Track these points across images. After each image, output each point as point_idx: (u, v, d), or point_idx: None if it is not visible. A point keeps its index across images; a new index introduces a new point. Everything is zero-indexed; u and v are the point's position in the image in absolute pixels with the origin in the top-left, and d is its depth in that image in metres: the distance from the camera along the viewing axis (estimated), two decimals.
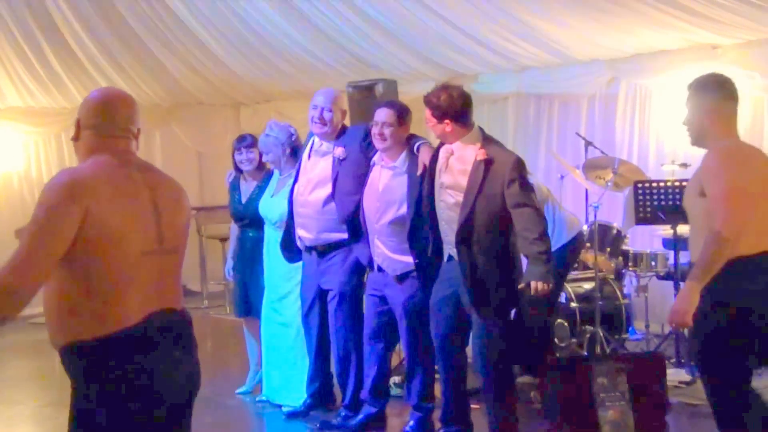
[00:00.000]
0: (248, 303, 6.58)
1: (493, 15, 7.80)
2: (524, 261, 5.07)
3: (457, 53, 8.97)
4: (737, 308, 3.76)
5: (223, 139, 11.24)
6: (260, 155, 6.49)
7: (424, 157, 5.22)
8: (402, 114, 5.34)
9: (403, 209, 5.28)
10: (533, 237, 4.81)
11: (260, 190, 6.39)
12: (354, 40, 9.10)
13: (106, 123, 2.98)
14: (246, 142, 6.55)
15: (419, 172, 5.23)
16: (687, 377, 6.44)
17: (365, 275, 5.84)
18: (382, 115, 5.31)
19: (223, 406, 6.59)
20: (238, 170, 6.63)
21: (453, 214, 4.94)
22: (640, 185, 6.92)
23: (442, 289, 5.12)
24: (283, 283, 6.18)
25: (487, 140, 5.04)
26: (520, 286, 4.90)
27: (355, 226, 5.58)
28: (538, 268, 4.83)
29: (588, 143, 7.91)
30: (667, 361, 6.20)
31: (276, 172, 6.30)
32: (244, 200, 6.53)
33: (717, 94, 4.01)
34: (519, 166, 4.93)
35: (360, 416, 5.71)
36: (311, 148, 5.85)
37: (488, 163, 4.87)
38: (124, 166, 2.95)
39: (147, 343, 2.89)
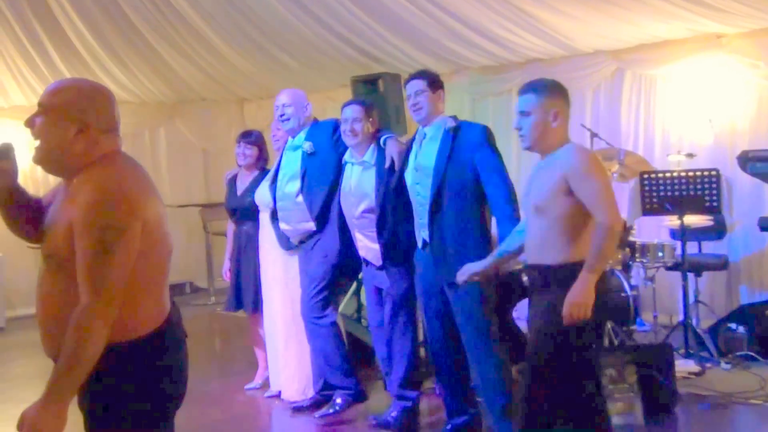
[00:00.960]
0: (239, 298, 6.63)
1: (497, 7, 7.78)
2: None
3: (462, 46, 8.95)
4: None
5: (227, 136, 11.24)
6: (258, 153, 6.58)
7: (391, 150, 5.38)
8: (369, 109, 5.54)
9: (372, 201, 5.41)
10: (504, 201, 4.86)
11: (256, 183, 6.43)
12: (358, 34, 9.09)
13: (114, 120, 2.83)
14: (249, 138, 6.62)
15: (387, 164, 5.37)
16: (696, 368, 6.43)
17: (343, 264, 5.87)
18: (351, 111, 5.49)
19: (232, 401, 6.60)
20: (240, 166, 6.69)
21: (427, 192, 5.00)
22: (646, 176, 6.90)
23: (422, 281, 5.19)
24: (281, 270, 6.20)
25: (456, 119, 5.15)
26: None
27: (325, 219, 5.76)
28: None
29: (593, 134, 7.89)
30: (675, 352, 6.20)
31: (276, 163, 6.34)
32: (239, 193, 6.57)
33: (563, 98, 4.03)
34: (488, 132, 5.00)
35: (394, 412, 5.65)
36: (285, 142, 6.10)
37: (456, 130, 4.96)
38: (137, 165, 2.85)
39: (179, 336, 2.89)
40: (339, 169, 5.71)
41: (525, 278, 5.30)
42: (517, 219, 4.74)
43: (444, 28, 8.49)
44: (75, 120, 2.70)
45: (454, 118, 5.13)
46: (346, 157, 5.64)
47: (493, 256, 4.49)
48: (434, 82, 5.15)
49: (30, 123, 2.78)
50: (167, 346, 2.80)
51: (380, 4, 8.23)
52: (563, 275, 3.85)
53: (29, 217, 2.91)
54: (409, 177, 5.15)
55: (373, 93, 7.93)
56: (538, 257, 3.95)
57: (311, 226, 5.80)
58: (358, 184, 5.51)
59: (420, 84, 5.13)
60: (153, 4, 9.07)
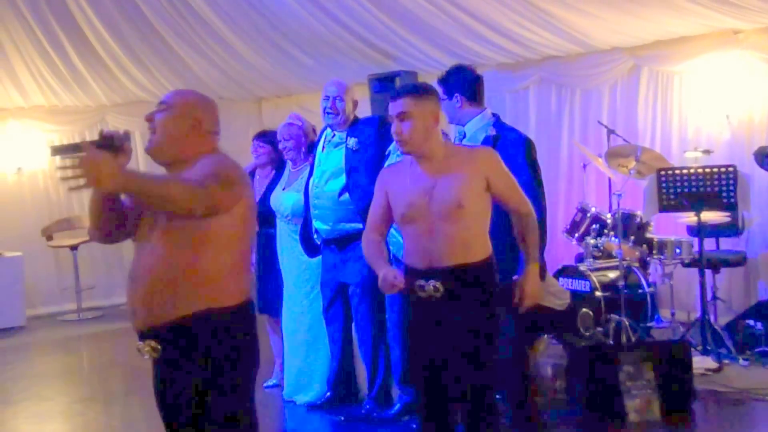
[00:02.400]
0: (265, 300, 6.58)
1: (513, 4, 7.79)
2: None
3: (478, 44, 8.95)
4: None
5: (244, 135, 11.21)
6: (270, 153, 6.55)
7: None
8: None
9: None
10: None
11: (271, 186, 6.42)
12: (375, 32, 9.11)
13: (218, 125, 3.34)
14: (263, 138, 6.64)
15: None
16: (714, 364, 6.42)
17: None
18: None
19: None
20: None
21: None
22: (663, 173, 6.88)
23: None
24: (299, 277, 6.21)
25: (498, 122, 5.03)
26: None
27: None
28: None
29: (610, 131, 7.89)
30: (693, 349, 6.20)
31: (289, 164, 6.32)
32: (257, 198, 6.55)
33: (438, 101, 4.07)
34: (528, 146, 4.91)
35: (396, 405, 5.75)
36: (325, 140, 5.90)
37: (496, 139, 4.83)
38: None
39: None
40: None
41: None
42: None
43: (460, 25, 8.50)
44: (191, 117, 3.21)
45: (497, 120, 4.96)
46: (391, 147, 5.48)
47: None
48: (445, 92, 4.96)
49: (150, 117, 3.24)
50: (254, 315, 3.29)
51: (396, 2, 8.25)
52: (487, 271, 3.90)
53: (114, 208, 3.23)
54: None
55: (390, 91, 7.95)
56: (461, 258, 3.84)
57: (352, 226, 5.63)
58: None
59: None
60: (171, 4, 9.12)
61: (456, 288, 3.83)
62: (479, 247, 3.87)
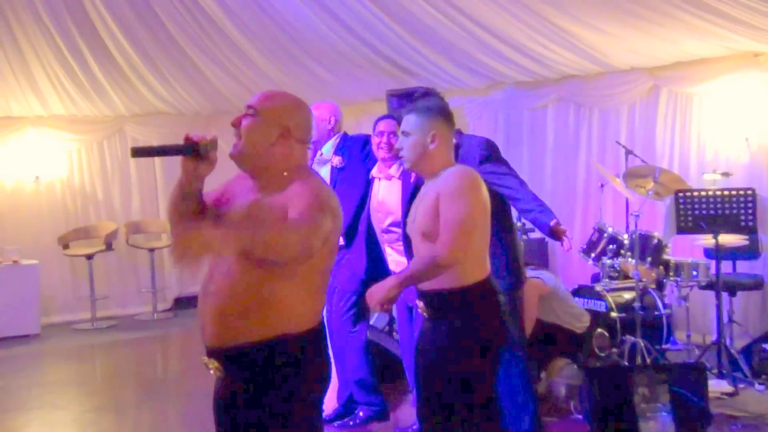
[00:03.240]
0: None
1: (533, 23, 7.79)
2: None
3: (497, 61, 8.97)
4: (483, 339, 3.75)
5: None
6: None
7: None
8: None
9: (398, 215, 5.38)
10: (528, 206, 4.99)
11: None
12: (393, 48, 9.13)
13: (309, 135, 3.17)
14: None
15: (412, 178, 5.32)
16: (729, 388, 6.38)
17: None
18: (385, 125, 5.49)
19: None
20: None
21: None
22: (681, 194, 6.86)
23: None
24: None
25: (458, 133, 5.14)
26: (553, 222, 4.88)
27: (353, 233, 5.75)
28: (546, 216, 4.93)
29: (628, 152, 7.88)
30: (708, 372, 6.15)
31: None
32: None
33: (444, 118, 3.92)
34: (488, 145, 5.08)
35: (415, 425, 5.73)
36: (319, 157, 6.02)
37: (457, 147, 4.93)
38: None
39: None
40: (368, 184, 5.71)
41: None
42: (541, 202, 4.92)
43: (479, 42, 8.51)
44: (279, 125, 3.02)
45: (458, 132, 5.06)
46: (374, 172, 5.63)
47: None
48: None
49: (236, 122, 3.07)
50: (325, 334, 3.11)
51: (415, 19, 8.27)
52: (461, 299, 3.73)
53: (197, 212, 3.11)
54: None
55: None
56: (433, 283, 3.75)
57: (339, 241, 5.76)
58: (384, 198, 5.52)
59: (393, 125, 5.31)
60: (191, 15, 9.16)
61: (433, 314, 3.81)
62: (454, 275, 3.69)
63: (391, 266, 5.58)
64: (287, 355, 2.89)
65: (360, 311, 5.85)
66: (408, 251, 5.29)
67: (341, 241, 5.76)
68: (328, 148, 5.92)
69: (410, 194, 5.30)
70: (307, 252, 2.78)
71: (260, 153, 3.01)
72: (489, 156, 5.04)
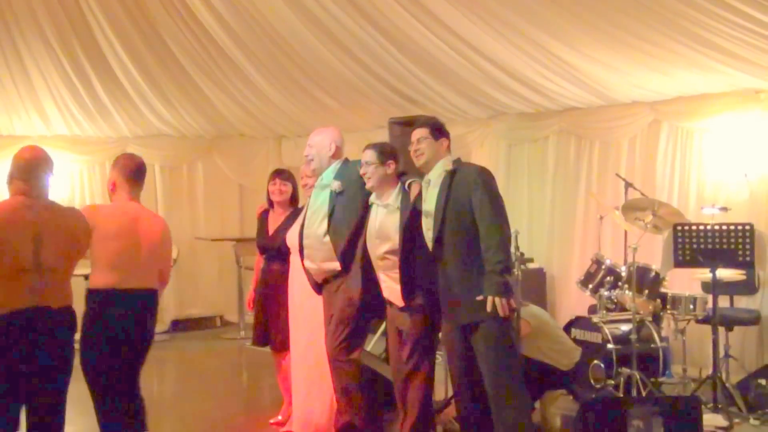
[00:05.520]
0: (267, 334, 6.67)
1: (535, 54, 7.84)
2: None
3: (499, 92, 9.01)
4: None
5: (264, 172, 11.23)
6: (293, 190, 6.67)
7: (414, 194, 5.44)
8: (385, 153, 5.53)
9: (395, 243, 5.38)
10: (487, 246, 4.94)
11: (288, 222, 6.48)
12: (397, 77, 9.18)
13: None
14: (284, 174, 6.73)
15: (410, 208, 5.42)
16: (724, 423, 6.37)
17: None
18: (365, 155, 5.57)
19: None
20: (270, 204, 6.75)
21: (432, 234, 5.17)
22: (679, 228, 6.88)
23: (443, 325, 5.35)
24: (308, 314, 6.21)
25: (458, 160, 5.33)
26: (479, 298, 4.90)
27: (349, 259, 5.75)
28: (493, 280, 4.88)
29: (628, 184, 7.90)
30: (704, 406, 6.15)
31: (309, 200, 6.36)
32: (271, 232, 6.63)
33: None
34: (483, 173, 5.12)
35: None
36: (320, 182, 6.05)
37: (453, 173, 5.12)
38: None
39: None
40: (365, 210, 5.71)
41: None
42: (504, 268, 4.89)
43: (482, 73, 8.56)
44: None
45: (456, 160, 5.26)
46: (372, 198, 5.64)
47: None
48: (437, 130, 5.32)
49: None
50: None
51: (420, 48, 8.32)
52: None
53: None
54: (423, 223, 5.26)
55: (409, 135, 7.99)
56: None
57: (336, 265, 5.76)
58: (382, 225, 5.51)
59: (422, 132, 5.33)
60: (197, 40, 9.23)
61: None
62: None
63: (385, 293, 5.57)
64: None
65: (356, 339, 5.79)
66: (404, 278, 5.33)
67: (338, 266, 5.80)
68: (328, 173, 5.93)
69: (408, 221, 5.35)
70: None
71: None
72: (481, 183, 5.07)
